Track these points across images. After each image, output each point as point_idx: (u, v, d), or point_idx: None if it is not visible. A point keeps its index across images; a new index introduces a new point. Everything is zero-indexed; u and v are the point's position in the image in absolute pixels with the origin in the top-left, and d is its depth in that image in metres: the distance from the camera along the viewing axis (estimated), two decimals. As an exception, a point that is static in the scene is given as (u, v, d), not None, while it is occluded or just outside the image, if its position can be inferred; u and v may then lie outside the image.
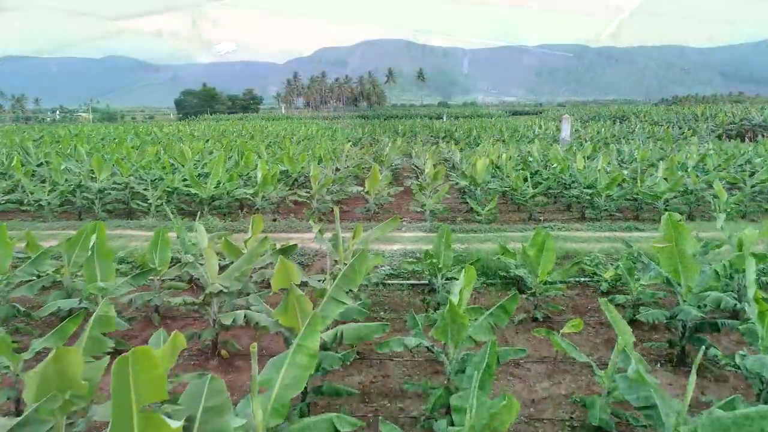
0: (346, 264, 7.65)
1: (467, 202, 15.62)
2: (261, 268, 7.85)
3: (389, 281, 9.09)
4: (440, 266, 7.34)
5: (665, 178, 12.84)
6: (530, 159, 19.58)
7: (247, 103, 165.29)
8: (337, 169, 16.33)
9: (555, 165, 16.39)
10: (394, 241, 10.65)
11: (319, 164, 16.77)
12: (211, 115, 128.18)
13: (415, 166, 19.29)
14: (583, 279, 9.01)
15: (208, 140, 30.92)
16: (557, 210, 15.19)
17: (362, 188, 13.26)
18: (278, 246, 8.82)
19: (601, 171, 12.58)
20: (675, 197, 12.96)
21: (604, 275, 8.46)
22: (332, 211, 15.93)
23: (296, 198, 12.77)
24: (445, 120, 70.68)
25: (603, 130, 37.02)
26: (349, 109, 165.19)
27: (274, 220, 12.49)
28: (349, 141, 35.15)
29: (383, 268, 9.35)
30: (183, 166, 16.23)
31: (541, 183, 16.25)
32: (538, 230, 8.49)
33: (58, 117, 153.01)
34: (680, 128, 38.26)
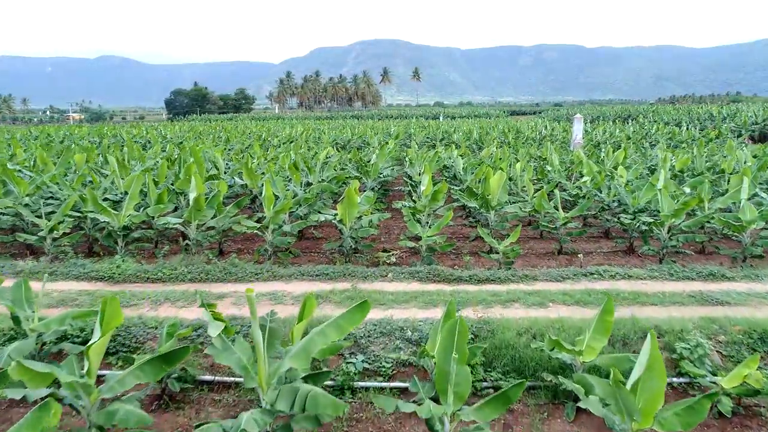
0: (266, 404, 4.10)
1: (473, 225, 12.16)
2: (114, 399, 4.32)
3: (362, 382, 5.61)
4: (448, 397, 3.84)
5: (748, 199, 9.38)
6: (548, 168, 16.16)
7: (239, 103, 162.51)
8: (309, 184, 12.82)
9: (586, 178, 12.93)
10: (372, 301, 7.14)
11: (288, 177, 13.27)
12: (200, 115, 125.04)
13: (409, 176, 15.79)
14: (677, 379, 5.55)
15: (176, 145, 27.34)
16: (592, 238, 11.72)
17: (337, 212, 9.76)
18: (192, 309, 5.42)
19: (663, 191, 9.11)
20: (764, 227, 9.50)
21: (722, 382, 5.01)
22: (304, 236, 12.33)
23: (244, 228, 9.24)
24: (441, 120, 67.36)
25: (617, 131, 33.61)
26: (343, 109, 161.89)
27: (210, 261, 8.94)
28: (336, 143, 31.67)
29: (354, 359, 5.86)
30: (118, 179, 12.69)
31: (569, 200, 12.85)
32: (609, 304, 5.13)
33: (47, 117, 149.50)
34: (701, 129, 34.87)
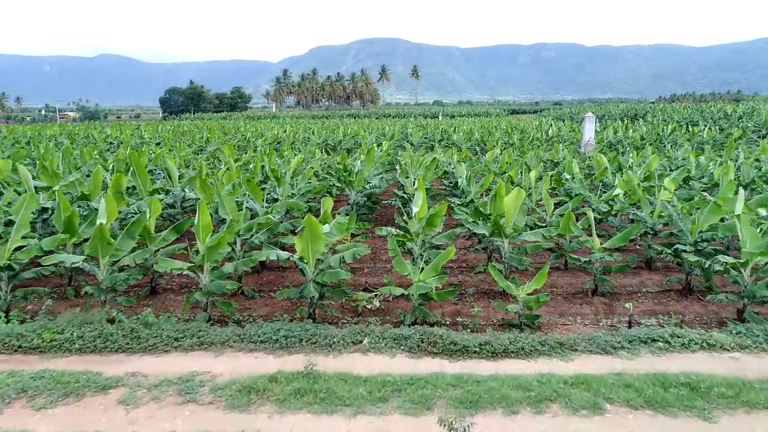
0: None
1: (479, 250, 9.67)
2: None
3: None
4: None
5: None
6: (566, 176, 13.71)
7: (235, 102, 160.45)
8: (275, 200, 10.33)
9: (618, 191, 10.45)
10: (335, 399, 4.65)
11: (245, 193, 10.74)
12: (194, 114, 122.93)
13: (402, 187, 13.31)
14: None
15: (155, 146, 24.85)
16: (631, 271, 9.19)
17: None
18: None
19: (742, 218, 6.63)
20: None
21: None
22: (265, 266, 9.53)
23: (167, 267, 6.73)
24: (440, 119, 64.96)
25: (630, 131, 31.13)
26: (341, 107, 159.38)
27: (114, 317, 6.40)
28: (326, 145, 29.21)
29: None
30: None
31: (595, 218, 10.36)
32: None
33: (41, 115, 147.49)
34: (721, 129, 32.36)
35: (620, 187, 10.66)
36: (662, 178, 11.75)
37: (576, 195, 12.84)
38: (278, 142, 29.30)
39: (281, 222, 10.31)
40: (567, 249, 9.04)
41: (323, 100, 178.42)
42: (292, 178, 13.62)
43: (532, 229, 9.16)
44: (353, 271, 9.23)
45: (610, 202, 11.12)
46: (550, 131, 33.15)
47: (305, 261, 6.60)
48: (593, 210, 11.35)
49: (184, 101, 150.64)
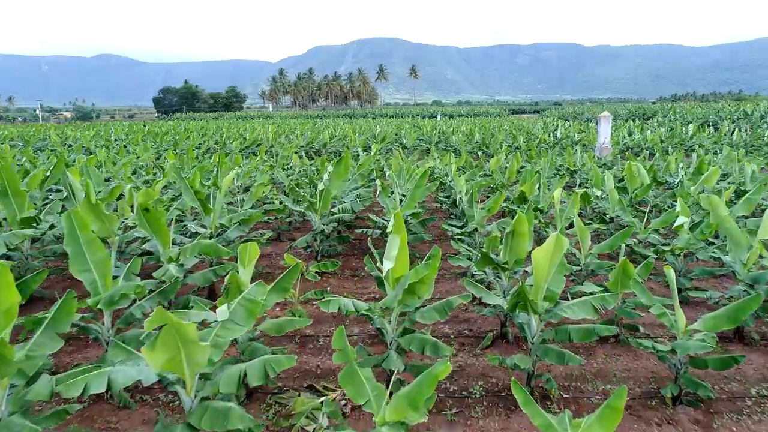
0: None
1: (488, 314, 6.57)
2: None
3: None
4: None
5: None
6: (594, 192, 10.71)
7: (230, 101, 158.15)
8: (196, 234, 7.30)
9: (682, 219, 7.40)
10: None
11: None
12: (187, 113, 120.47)
13: (383, 210, 10.25)
14: None
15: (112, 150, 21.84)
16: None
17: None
18: None
19: None
20: None
21: None
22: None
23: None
24: (439, 119, 62.01)
25: (649, 132, 28.11)
26: (339, 107, 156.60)
27: None
28: (310, 148, 26.19)
29: None
30: None
31: (642, 258, 7.32)
32: None
33: (35, 115, 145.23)
34: (748, 132, 29.33)
35: (683, 213, 7.61)
36: (721, 195, 8.72)
37: (612, 219, 9.84)
38: (257, 145, 26.29)
39: (204, 268, 7.28)
40: (619, 314, 6.03)
41: (320, 99, 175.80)
42: (244, 195, 10.64)
43: (575, 301, 6.12)
44: (300, 346, 6.19)
45: (680, 237, 8.08)
46: (558, 132, 30.15)
47: (179, 382, 3.56)
48: (638, 243, 8.38)
49: (179, 101, 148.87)
